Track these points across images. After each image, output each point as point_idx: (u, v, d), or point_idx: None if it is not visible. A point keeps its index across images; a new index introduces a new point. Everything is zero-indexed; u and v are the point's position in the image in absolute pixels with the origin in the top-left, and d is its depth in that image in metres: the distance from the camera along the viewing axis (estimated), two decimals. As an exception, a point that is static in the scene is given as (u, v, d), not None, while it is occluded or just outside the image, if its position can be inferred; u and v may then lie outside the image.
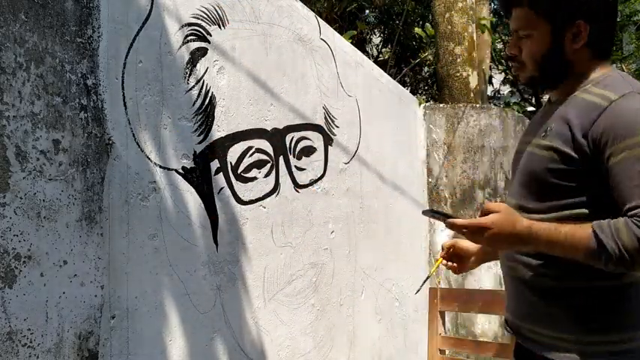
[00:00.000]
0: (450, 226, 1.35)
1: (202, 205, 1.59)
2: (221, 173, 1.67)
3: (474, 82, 3.90)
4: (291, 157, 1.98)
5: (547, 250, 1.27)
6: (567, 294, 1.31)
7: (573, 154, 1.22)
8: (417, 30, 4.23)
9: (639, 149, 1.14)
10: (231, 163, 1.71)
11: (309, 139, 2.08)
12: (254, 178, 1.80)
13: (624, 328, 1.27)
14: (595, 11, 1.27)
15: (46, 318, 1.16)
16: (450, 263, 1.56)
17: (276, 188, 1.89)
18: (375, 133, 2.52)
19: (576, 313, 1.29)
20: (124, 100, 1.37)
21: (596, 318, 1.28)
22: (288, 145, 1.96)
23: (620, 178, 1.15)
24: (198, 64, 1.61)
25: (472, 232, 1.31)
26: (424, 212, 1.40)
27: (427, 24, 4.45)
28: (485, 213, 1.33)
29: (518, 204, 1.37)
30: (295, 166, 1.99)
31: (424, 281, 1.51)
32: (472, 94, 3.84)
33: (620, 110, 1.18)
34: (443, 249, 1.59)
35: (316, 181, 2.11)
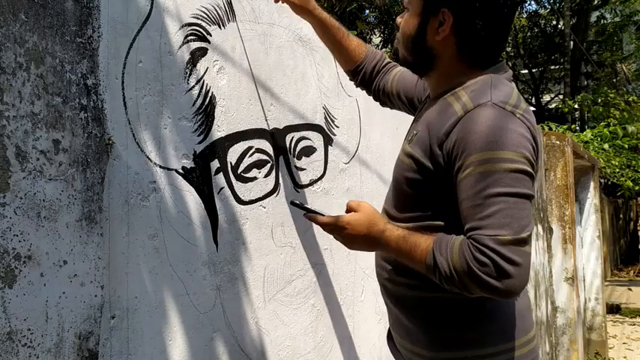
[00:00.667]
0: (310, 220, 1.35)
1: (202, 205, 1.59)
2: (221, 173, 1.67)
3: (473, 82, 3.90)
4: (291, 157, 1.98)
5: (397, 258, 1.22)
6: (421, 304, 1.24)
7: (430, 165, 1.16)
8: (417, 30, 4.22)
9: (483, 167, 1.05)
10: (231, 163, 1.71)
11: (309, 139, 2.08)
12: (254, 178, 1.80)
13: (481, 344, 1.19)
14: (465, 4, 1.16)
15: (46, 318, 1.16)
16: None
17: (276, 188, 1.89)
18: (375, 133, 2.52)
19: (429, 326, 1.22)
20: (124, 100, 1.37)
21: (450, 332, 1.20)
22: (288, 145, 1.96)
23: (463, 196, 1.08)
24: (198, 64, 1.61)
25: (330, 230, 1.31)
26: (291, 203, 1.40)
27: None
28: (347, 211, 1.32)
29: (386, 210, 1.34)
30: (295, 166, 2.00)
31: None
32: (472, 94, 3.83)
33: (472, 122, 1.09)
34: None
35: (316, 181, 2.11)
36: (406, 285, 1.26)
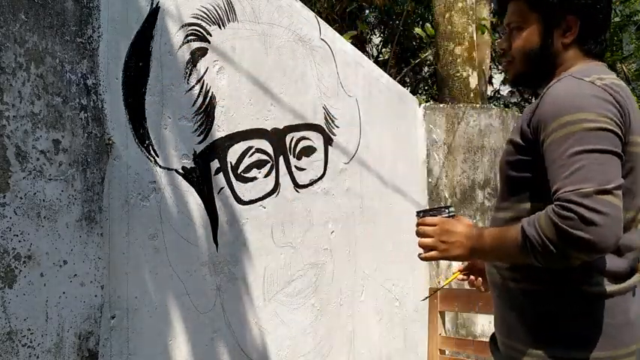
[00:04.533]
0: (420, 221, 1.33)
1: (202, 205, 1.59)
2: (221, 173, 1.67)
3: (473, 82, 3.90)
4: (291, 157, 1.98)
5: (495, 257, 1.22)
6: (524, 297, 1.21)
7: (522, 142, 1.18)
8: (417, 30, 4.23)
9: (563, 130, 1.07)
10: (231, 163, 1.71)
11: (309, 139, 2.08)
12: (254, 178, 1.80)
13: (582, 346, 1.13)
14: (587, 7, 1.23)
15: (46, 318, 1.16)
16: (469, 277, 1.50)
17: (276, 188, 1.89)
18: (375, 133, 2.52)
19: (528, 319, 1.20)
20: (124, 100, 1.37)
21: (550, 328, 1.16)
22: (288, 145, 1.96)
23: (548, 162, 1.08)
24: (198, 64, 1.61)
25: (434, 231, 1.27)
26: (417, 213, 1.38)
27: (427, 24, 4.45)
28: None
29: (495, 207, 1.32)
30: (295, 166, 1.99)
31: (436, 290, 1.49)
32: (472, 94, 3.84)
33: (550, 94, 1.13)
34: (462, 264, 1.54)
35: (316, 181, 2.11)
36: (512, 278, 1.25)
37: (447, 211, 1.32)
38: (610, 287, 1.14)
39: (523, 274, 1.21)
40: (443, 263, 2.96)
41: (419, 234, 1.31)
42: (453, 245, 1.26)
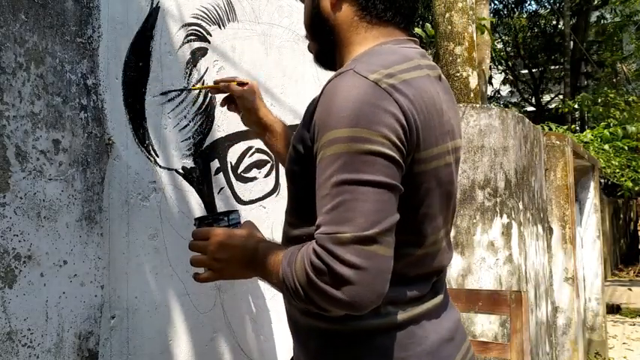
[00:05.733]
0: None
1: (202, 205, 1.59)
2: (221, 173, 1.67)
3: (474, 82, 3.91)
4: (291, 157, 1.98)
5: (270, 283, 1.01)
6: (310, 334, 1.02)
7: (301, 149, 0.97)
8: (417, 30, 4.23)
9: (330, 149, 0.85)
10: (231, 163, 1.71)
11: (309, 139, 2.08)
12: (254, 178, 1.80)
13: None
14: None
15: (46, 318, 1.16)
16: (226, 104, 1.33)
17: (276, 188, 1.89)
18: (375, 133, 2.52)
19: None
20: (124, 100, 1.37)
21: None
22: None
23: (316, 185, 0.88)
24: (198, 64, 1.61)
25: (197, 246, 1.09)
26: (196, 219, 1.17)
27: (427, 24, 4.45)
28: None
29: (285, 217, 1.10)
30: (295, 166, 2.00)
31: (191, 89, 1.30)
32: (472, 94, 3.84)
33: (325, 94, 0.90)
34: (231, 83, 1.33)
35: (316, 181, 2.11)
36: (299, 310, 1.03)
37: (226, 219, 1.10)
38: (401, 316, 0.95)
39: (304, 308, 0.98)
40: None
41: (191, 248, 1.11)
42: (227, 263, 1.06)
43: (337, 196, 0.84)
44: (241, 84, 1.42)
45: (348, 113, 0.85)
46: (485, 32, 5.04)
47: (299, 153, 0.98)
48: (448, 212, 1.02)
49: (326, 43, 1.06)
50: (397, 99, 0.87)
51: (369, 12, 1.01)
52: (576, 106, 10.61)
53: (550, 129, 7.66)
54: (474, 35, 4.00)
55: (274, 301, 1.86)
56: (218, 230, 1.07)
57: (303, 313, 1.02)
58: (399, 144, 0.86)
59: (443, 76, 1.04)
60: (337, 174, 0.84)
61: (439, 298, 1.04)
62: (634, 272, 13.21)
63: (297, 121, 2.04)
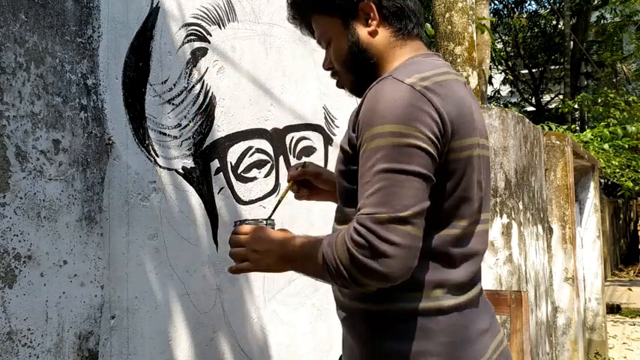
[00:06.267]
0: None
1: (202, 205, 1.59)
2: (221, 173, 1.67)
3: (474, 82, 3.91)
4: (291, 157, 1.98)
5: (305, 270, 1.10)
6: (355, 316, 1.13)
7: (349, 150, 1.06)
8: (417, 30, 4.22)
9: (373, 143, 0.97)
10: (231, 163, 1.71)
11: (309, 139, 2.08)
12: (254, 178, 1.80)
13: None
14: None
15: (46, 318, 1.16)
16: (301, 190, 1.40)
17: (276, 188, 1.89)
18: (375, 133, 2.52)
19: (361, 340, 1.11)
20: (124, 100, 1.37)
21: (383, 348, 1.06)
22: (288, 145, 1.96)
23: (358, 175, 1.00)
24: (198, 64, 1.61)
25: (238, 241, 1.15)
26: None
27: (427, 24, 4.45)
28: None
29: (335, 215, 1.19)
30: (295, 166, 2.00)
31: (275, 207, 1.32)
32: (472, 94, 3.84)
33: (367, 98, 1.02)
34: (292, 170, 1.39)
35: (316, 181, 2.11)
36: (348, 296, 1.13)
37: (265, 222, 1.20)
38: (447, 301, 1.04)
39: (354, 291, 1.09)
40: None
41: (231, 243, 1.18)
42: (265, 254, 1.14)
43: (377, 183, 0.95)
44: (297, 167, 1.42)
45: (388, 112, 0.97)
46: (485, 32, 5.05)
47: (346, 153, 1.08)
48: (481, 201, 1.11)
49: (365, 71, 1.16)
50: (430, 98, 0.98)
51: (402, 31, 1.14)
52: (576, 106, 10.61)
53: (550, 129, 7.66)
54: (474, 35, 4.00)
55: (274, 301, 1.86)
56: (258, 226, 1.18)
57: (352, 298, 1.12)
58: (433, 138, 0.97)
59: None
60: (378, 164, 0.96)
61: (478, 288, 1.13)
62: (634, 272, 13.20)
63: (298, 121, 2.04)
